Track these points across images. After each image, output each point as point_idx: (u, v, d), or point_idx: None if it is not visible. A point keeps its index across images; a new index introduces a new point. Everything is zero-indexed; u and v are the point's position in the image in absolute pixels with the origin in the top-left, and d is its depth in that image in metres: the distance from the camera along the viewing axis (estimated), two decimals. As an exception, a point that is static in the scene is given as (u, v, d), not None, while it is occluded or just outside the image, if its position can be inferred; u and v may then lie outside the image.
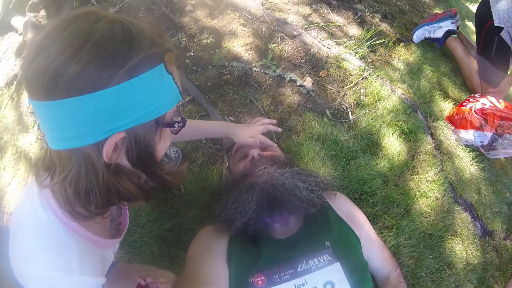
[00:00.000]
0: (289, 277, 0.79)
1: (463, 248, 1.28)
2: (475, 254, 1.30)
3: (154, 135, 0.52)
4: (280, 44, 1.61)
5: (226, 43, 1.63)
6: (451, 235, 1.29)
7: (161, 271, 0.98)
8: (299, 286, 0.78)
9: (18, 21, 2.11)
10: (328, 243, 0.85)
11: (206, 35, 1.66)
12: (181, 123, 0.57)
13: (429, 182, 1.32)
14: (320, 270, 0.80)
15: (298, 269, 0.80)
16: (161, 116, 0.52)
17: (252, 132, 1.08)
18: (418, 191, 1.30)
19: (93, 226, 0.59)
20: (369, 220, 1.08)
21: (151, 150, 0.53)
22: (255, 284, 0.77)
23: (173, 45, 0.55)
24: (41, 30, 0.48)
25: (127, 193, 0.54)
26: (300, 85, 1.46)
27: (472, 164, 1.47)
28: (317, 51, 1.58)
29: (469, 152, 1.49)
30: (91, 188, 0.50)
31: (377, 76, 1.50)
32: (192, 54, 1.62)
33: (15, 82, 1.87)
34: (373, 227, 1.09)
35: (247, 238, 0.86)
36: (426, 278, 1.20)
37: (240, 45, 1.62)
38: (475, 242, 1.31)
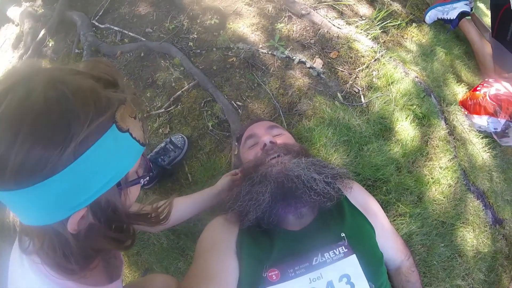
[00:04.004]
0: (304, 270, 0.75)
1: (474, 237, 1.26)
2: (486, 242, 1.28)
3: (119, 197, 0.50)
4: (287, 24, 1.53)
5: (231, 23, 1.54)
6: (463, 223, 1.26)
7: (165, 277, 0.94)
8: (314, 280, 0.75)
9: (14, 12, 2.07)
10: (344, 234, 0.81)
11: (210, 16, 1.58)
12: (147, 176, 0.54)
13: (442, 169, 1.28)
14: (336, 263, 0.77)
15: (313, 263, 0.77)
16: (123, 177, 0.48)
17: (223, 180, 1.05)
18: (431, 178, 1.26)
19: (90, 277, 0.57)
20: (382, 208, 1.05)
21: (118, 211, 0.50)
22: (269, 278, 0.74)
23: (129, 88, 0.49)
24: None
25: (104, 249, 0.54)
26: (310, 67, 1.39)
27: (485, 150, 1.43)
28: (326, 31, 1.50)
29: (482, 138, 1.45)
30: (68, 254, 0.49)
31: (390, 57, 1.43)
32: (195, 36, 1.54)
33: (13, 75, 1.83)
34: (386, 215, 1.06)
35: (258, 231, 0.82)
36: (437, 266, 1.19)
37: (246, 25, 1.54)
38: (486, 231, 1.29)
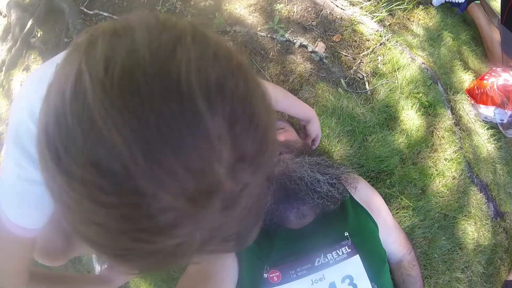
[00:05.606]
0: (306, 272, 0.72)
1: (475, 229, 1.24)
2: (486, 235, 1.26)
3: None
4: (287, 5, 1.44)
5: (227, 5, 1.44)
6: (465, 216, 1.24)
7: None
8: (316, 281, 0.72)
9: (0, 2, 1.92)
10: (347, 234, 0.78)
11: (204, -4, 1.47)
12: None
13: (447, 161, 1.24)
14: (339, 264, 0.74)
15: (316, 264, 0.74)
16: None
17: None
18: (436, 170, 1.22)
19: None
20: (385, 201, 1.02)
21: None
22: (270, 280, 0.71)
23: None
24: None
25: None
26: (312, 51, 1.31)
27: (490, 142, 1.40)
28: (329, 12, 1.41)
29: (487, 129, 1.41)
30: None
31: (396, 42, 1.35)
32: (189, 19, 1.43)
33: (3, 68, 1.72)
34: (389, 208, 1.03)
35: None
36: (438, 259, 1.17)
37: (243, 6, 1.44)
38: (487, 224, 1.28)
